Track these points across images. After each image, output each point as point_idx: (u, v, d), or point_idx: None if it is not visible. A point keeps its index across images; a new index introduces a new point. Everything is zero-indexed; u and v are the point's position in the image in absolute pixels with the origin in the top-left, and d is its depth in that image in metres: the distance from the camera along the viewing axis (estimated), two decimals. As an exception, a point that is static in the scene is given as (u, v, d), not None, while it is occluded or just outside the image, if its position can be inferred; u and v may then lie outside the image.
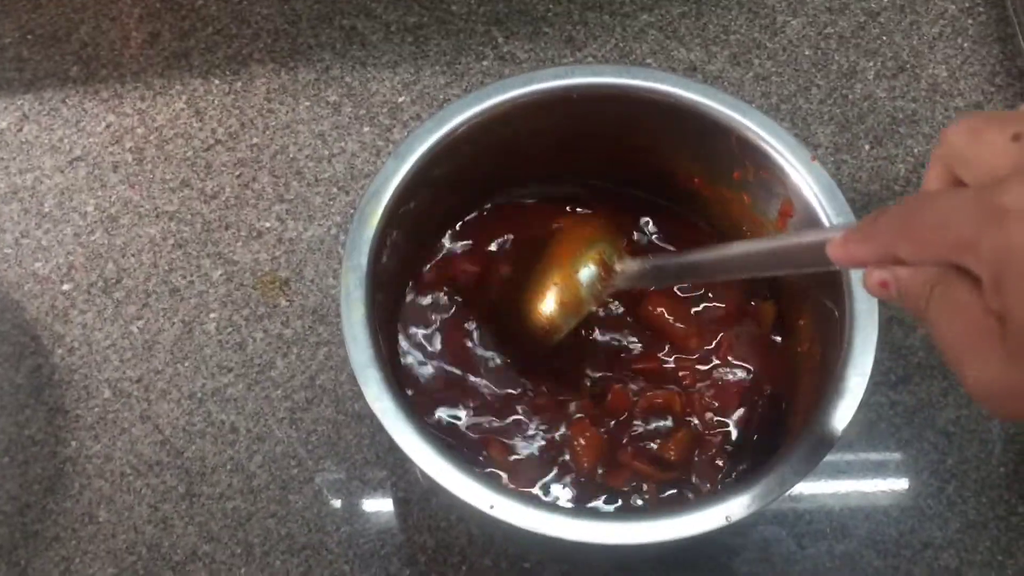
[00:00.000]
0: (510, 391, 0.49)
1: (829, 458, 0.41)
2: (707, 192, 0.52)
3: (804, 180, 0.46)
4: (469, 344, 0.50)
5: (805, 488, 0.53)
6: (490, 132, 0.49)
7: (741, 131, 0.47)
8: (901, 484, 0.53)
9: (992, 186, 0.28)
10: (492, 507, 0.40)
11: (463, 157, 0.49)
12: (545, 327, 0.47)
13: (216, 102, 0.63)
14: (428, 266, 0.52)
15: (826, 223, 0.45)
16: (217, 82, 0.64)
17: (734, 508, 0.40)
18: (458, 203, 0.53)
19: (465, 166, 0.49)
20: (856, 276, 0.43)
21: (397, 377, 0.45)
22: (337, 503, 0.52)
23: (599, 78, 0.49)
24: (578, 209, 0.54)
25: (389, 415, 0.41)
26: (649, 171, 0.52)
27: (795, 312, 0.50)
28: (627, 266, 0.47)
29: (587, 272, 0.47)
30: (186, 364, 0.55)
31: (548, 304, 0.47)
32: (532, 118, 0.49)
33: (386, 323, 0.48)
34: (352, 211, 0.59)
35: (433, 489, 0.52)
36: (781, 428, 0.48)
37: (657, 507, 0.46)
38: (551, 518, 0.40)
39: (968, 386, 0.29)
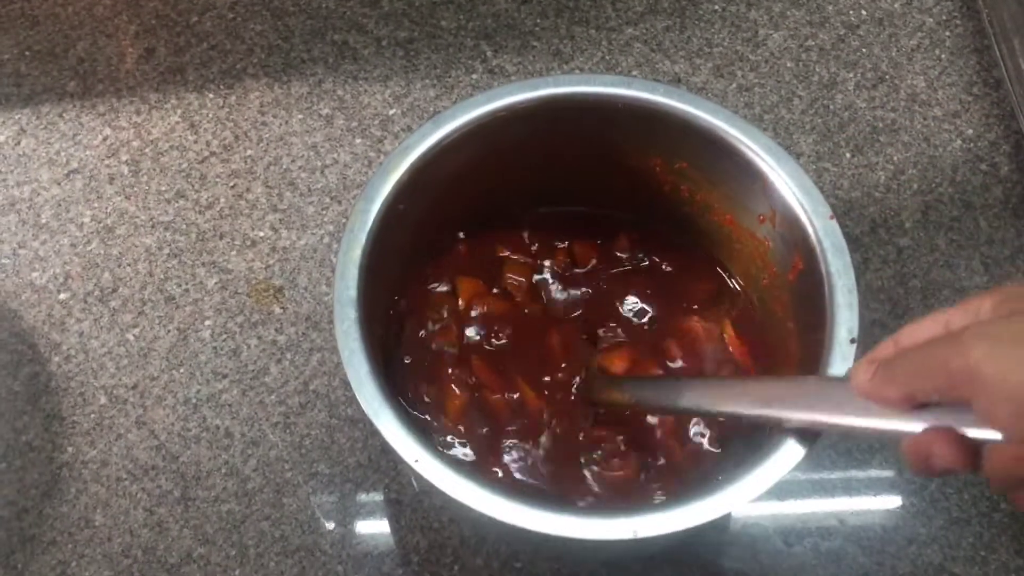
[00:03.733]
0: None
1: (812, 457, 0.42)
2: (734, 230, 0.52)
3: (816, 236, 0.46)
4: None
5: (790, 486, 0.53)
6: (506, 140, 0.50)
7: (770, 176, 0.48)
8: (885, 482, 0.54)
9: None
10: (417, 461, 0.41)
11: (467, 159, 0.49)
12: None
13: (211, 115, 0.64)
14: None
15: (825, 286, 0.45)
16: (212, 96, 0.65)
17: (726, 501, 0.40)
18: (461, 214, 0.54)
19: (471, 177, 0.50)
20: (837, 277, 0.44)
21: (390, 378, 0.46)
22: (330, 505, 0.53)
23: (643, 93, 0.49)
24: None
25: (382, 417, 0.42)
26: (671, 200, 0.53)
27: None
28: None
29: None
30: (181, 371, 0.56)
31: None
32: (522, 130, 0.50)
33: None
34: (345, 221, 0.60)
35: (426, 491, 0.53)
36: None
37: (645, 500, 0.47)
38: (539, 515, 0.40)
39: None
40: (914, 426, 0.35)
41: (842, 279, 0.44)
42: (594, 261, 0.54)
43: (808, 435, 0.41)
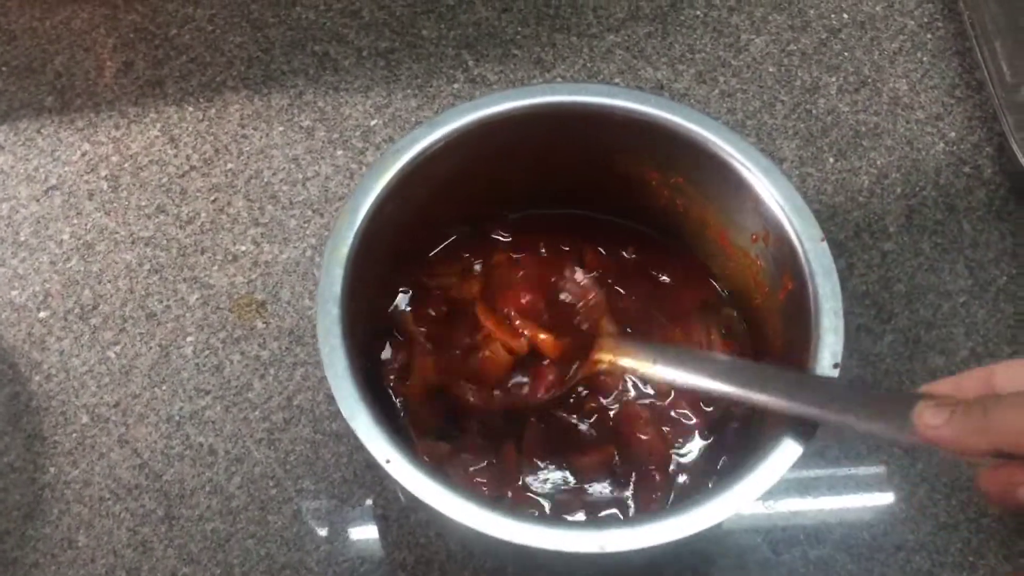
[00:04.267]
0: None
1: (800, 464, 0.41)
2: (727, 247, 0.52)
3: (806, 258, 0.46)
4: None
5: (778, 495, 0.53)
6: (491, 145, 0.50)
7: (763, 196, 0.47)
8: (873, 489, 0.54)
9: None
10: (388, 462, 0.41)
11: (445, 173, 0.49)
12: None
13: (190, 129, 0.64)
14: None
15: (812, 309, 0.44)
16: (191, 109, 0.65)
17: (717, 510, 0.40)
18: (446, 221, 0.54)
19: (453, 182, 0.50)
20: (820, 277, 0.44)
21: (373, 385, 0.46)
22: (316, 522, 0.52)
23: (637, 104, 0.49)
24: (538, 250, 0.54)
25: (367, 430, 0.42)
26: (658, 208, 0.53)
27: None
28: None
29: None
30: (163, 388, 0.56)
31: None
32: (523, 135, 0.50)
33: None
34: (327, 233, 0.60)
35: (412, 506, 0.52)
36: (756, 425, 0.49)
37: (637, 513, 0.47)
38: (527, 528, 0.40)
39: None
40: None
41: (829, 303, 0.44)
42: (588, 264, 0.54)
43: (796, 440, 0.41)
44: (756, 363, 0.50)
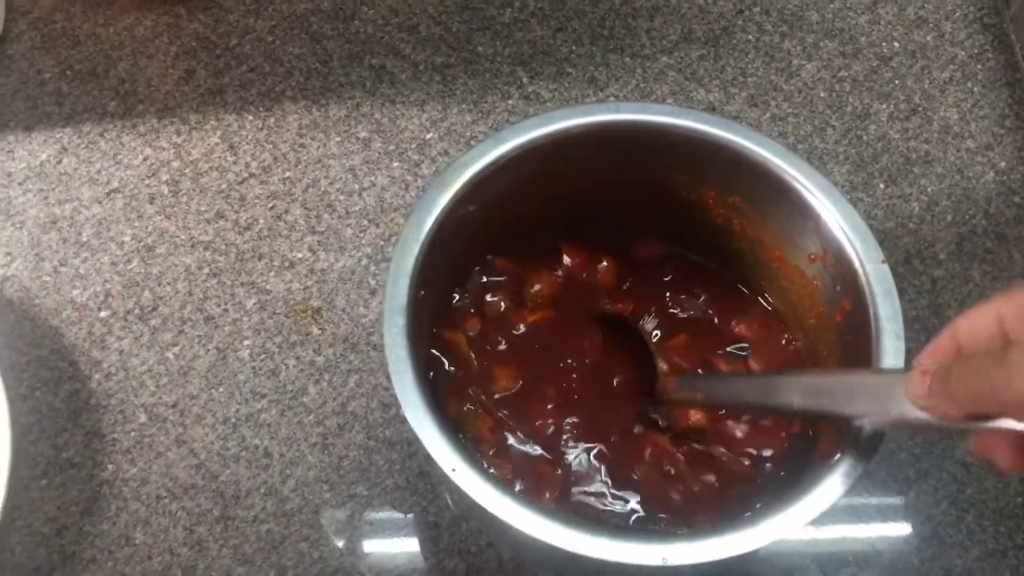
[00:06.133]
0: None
1: (850, 487, 0.42)
2: (782, 267, 0.52)
3: (867, 279, 0.46)
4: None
5: (827, 517, 0.53)
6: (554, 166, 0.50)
7: (824, 216, 0.48)
8: (921, 514, 0.54)
9: None
10: (454, 471, 0.41)
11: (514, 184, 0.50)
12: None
13: (250, 137, 0.65)
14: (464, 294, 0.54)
15: (872, 330, 0.45)
16: (251, 118, 0.66)
17: (782, 525, 0.41)
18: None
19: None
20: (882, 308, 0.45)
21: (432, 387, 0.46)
22: (368, 527, 0.53)
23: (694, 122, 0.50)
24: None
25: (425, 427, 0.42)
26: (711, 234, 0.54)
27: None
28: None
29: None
30: (220, 390, 0.56)
31: None
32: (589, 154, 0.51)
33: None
34: (382, 243, 0.61)
35: (464, 514, 0.53)
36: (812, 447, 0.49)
37: (692, 527, 0.47)
38: (589, 539, 0.41)
39: None
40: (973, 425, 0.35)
41: (890, 324, 0.45)
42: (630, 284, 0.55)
43: (859, 459, 0.41)
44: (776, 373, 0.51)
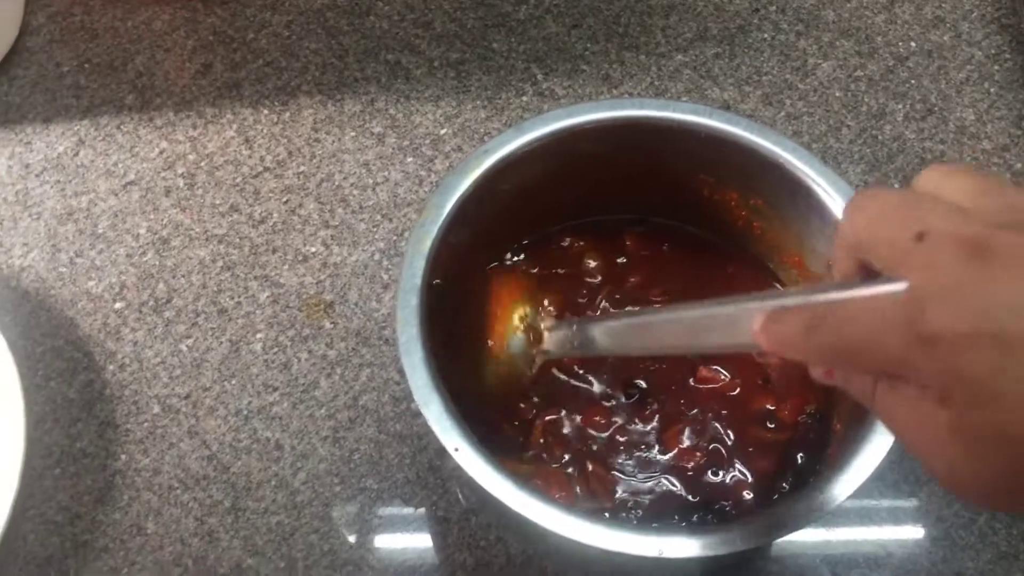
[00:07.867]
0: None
1: (861, 490, 0.42)
2: (801, 273, 0.52)
3: None
4: None
5: (838, 518, 0.53)
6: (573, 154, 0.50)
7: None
8: (932, 516, 0.54)
9: (915, 309, 0.27)
10: (457, 450, 0.41)
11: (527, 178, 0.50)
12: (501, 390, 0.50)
13: (265, 131, 0.65)
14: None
15: None
16: (266, 112, 0.66)
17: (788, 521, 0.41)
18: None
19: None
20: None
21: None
22: (378, 520, 0.53)
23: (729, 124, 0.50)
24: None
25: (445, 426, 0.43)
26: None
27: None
28: (551, 328, 0.48)
29: (516, 340, 0.50)
30: (233, 382, 0.57)
31: (490, 376, 0.50)
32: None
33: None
34: (395, 238, 0.61)
35: (474, 508, 0.53)
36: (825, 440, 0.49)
37: (699, 523, 0.47)
38: (591, 527, 0.41)
39: (941, 480, 0.28)
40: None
41: None
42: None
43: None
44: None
